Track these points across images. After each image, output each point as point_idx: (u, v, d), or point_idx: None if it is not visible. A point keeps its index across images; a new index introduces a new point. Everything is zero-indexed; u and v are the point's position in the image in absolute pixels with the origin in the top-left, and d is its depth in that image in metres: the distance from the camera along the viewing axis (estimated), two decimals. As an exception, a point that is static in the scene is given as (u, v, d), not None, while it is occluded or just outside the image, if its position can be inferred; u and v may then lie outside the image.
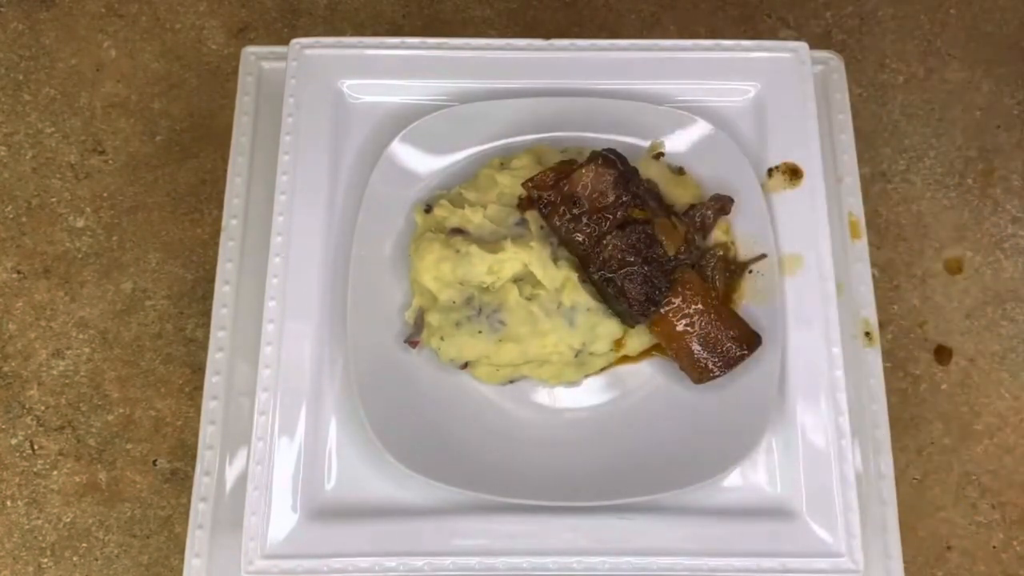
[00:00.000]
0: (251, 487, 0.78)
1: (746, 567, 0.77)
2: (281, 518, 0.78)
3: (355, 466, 0.81)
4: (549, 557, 0.77)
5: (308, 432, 0.80)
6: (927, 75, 1.13)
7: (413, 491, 0.79)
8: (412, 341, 0.84)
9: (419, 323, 0.84)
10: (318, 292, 0.84)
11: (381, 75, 0.92)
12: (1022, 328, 1.04)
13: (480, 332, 0.80)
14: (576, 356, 0.83)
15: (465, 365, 0.83)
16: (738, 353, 0.80)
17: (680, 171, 0.88)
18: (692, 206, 0.85)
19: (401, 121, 0.89)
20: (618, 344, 0.84)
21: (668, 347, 0.82)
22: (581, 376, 0.85)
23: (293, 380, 0.81)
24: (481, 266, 0.81)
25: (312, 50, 0.91)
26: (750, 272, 0.85)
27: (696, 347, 0.80)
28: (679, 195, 0.86)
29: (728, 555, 0.77)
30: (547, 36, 0.96)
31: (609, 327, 0.82)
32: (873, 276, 0.97)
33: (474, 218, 0.83)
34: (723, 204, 0.85)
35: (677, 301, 0.80)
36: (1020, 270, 1.06)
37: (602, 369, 0.86)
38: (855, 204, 0.96)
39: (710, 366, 0.80)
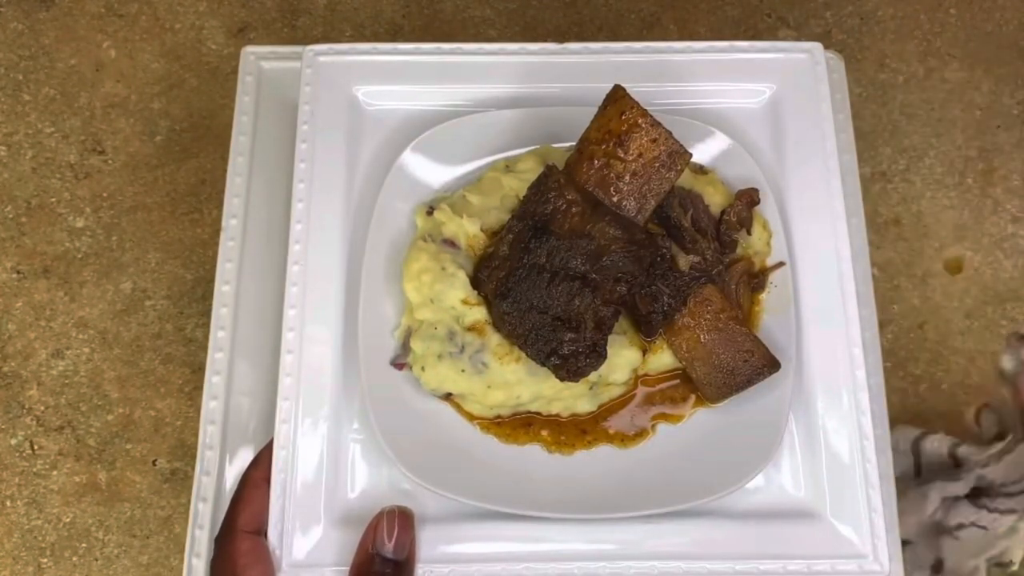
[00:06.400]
0: (274, 497, 0.77)
1: (772, 570, 0.76)
2: (305, 528, 0.77)
3: (378, 474, 0.80)
4: (574, 563, 0.77)
5: (330, 440, 0.80)
6: (927, 75, 1.13)
7: (436, 500, 0.78)
8: (398, 364, 0.83)
9: (407, 345, 0.82)
10: (337, 300, 0.84)
11: (396, 81, 0.91)
12: (1022, 328, 1.04)
13: (463, 371, 0.79)
14: (591, 388, 0.81)
15: (448, 395, 0.82)
16: (754, 376, 0.79)
17: (702, 170, 0.88)
18: (724, 210, 0.84)
19: (417, 126, 0.88)
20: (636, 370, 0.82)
21: (684, 364, 0.81)
22: (596, 407, 0.82)
23: (314, 388, 0.81)
24: (456, 294, 0.79)
25: (326, 57, 0.90)
26: (774, 286, 0.85)
27: (712, 368, 0.80)
28: (710, 194, 0.85)
29: (754, 558, 0.77)
30: (547, 36, 0.96)
31: (628, 356, 0.80)
32: (873, 276, 0.97)
33: (471, 229, 0.82)
34: (751, 196, 0.84)
35: (696, 319, 0.80)
36: (1020, 270, 1.06)
37: (621, 396, 0.83)
38: (855, 204, 0.96)
39: (724, 389, 0.80)
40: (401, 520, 0.76)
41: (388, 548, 0.74)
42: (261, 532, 0.76)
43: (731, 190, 0.86)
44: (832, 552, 0.77)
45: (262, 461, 0.80)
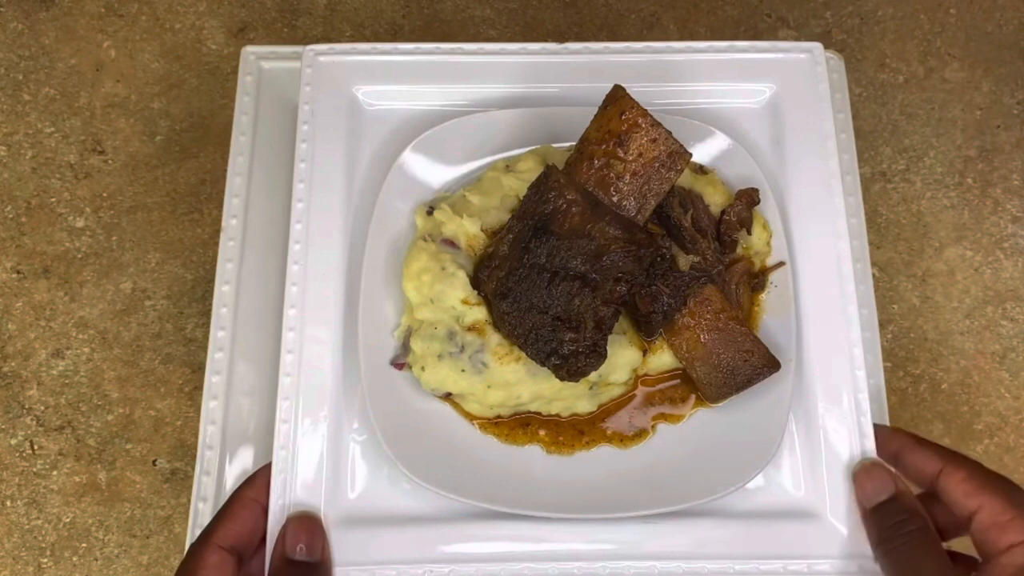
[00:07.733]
0: (274, 497, 0.77)
1: (772, 570, 0.76)
2: None
3: (378, 474, 0.80)
4: (574, 563, 0.77)
5: (330, 440, 0.80)
6: (927, 75, 1.13)
7: (436, 500, 0.78)
8: (398, 363, 0.83)
9: (407, 344, 0.82)
10: (337, 299, 0.84)
11: (395, 81, 0.91)
12: (1022, 328, 1.04)
13: (463, 371, 0.79)
14: (591, 388, 0.81)
15: (448, 395, 0.82)
16: (754, 376, 0.79)
17: (702, 170, 0.88)
18: (724, 210, 0.84)
19: (417, 126, 0.88)
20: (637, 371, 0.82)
21: (684, 364, 0.81)
22: (596, 407, 0.83)
23: (314, 388, 0.81)
24: (456, 293, 0.79)
25: (326, 57, 0.90)
26: (775, 286, 0.84)
27: (712, 368, 0.80)
28: (710, 194, 0.85)
29: (754, 558, 0.77)
30: (547, 36, 0.96)
31: (628, 356, 0.80)
32: (873, 276, 0.97)
33: (471, 229, 0.82)
34: (751, 196, 0.85)
35: (696, 319, 0.79)
36: (1020, 270, 1.06)
37: (621, 396, 0.83)
38: (855, 204, 0.96)
39: (724, 389, 0.80)
40: (310, 523, 0.76)
41: (303, 551, 0.74)
42: (235, 552, 0.74)
43: (731, 190, 0.86)
44: (832, 552, 0.77)
45: (257, 481, 0.79)
